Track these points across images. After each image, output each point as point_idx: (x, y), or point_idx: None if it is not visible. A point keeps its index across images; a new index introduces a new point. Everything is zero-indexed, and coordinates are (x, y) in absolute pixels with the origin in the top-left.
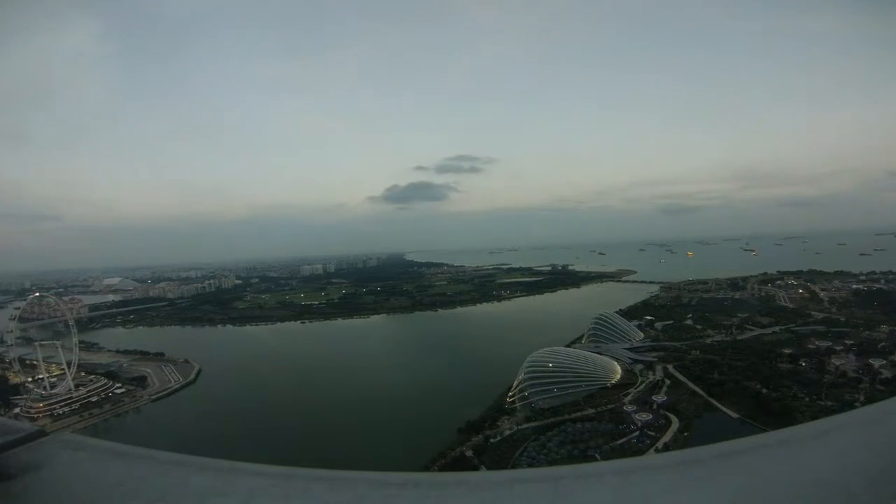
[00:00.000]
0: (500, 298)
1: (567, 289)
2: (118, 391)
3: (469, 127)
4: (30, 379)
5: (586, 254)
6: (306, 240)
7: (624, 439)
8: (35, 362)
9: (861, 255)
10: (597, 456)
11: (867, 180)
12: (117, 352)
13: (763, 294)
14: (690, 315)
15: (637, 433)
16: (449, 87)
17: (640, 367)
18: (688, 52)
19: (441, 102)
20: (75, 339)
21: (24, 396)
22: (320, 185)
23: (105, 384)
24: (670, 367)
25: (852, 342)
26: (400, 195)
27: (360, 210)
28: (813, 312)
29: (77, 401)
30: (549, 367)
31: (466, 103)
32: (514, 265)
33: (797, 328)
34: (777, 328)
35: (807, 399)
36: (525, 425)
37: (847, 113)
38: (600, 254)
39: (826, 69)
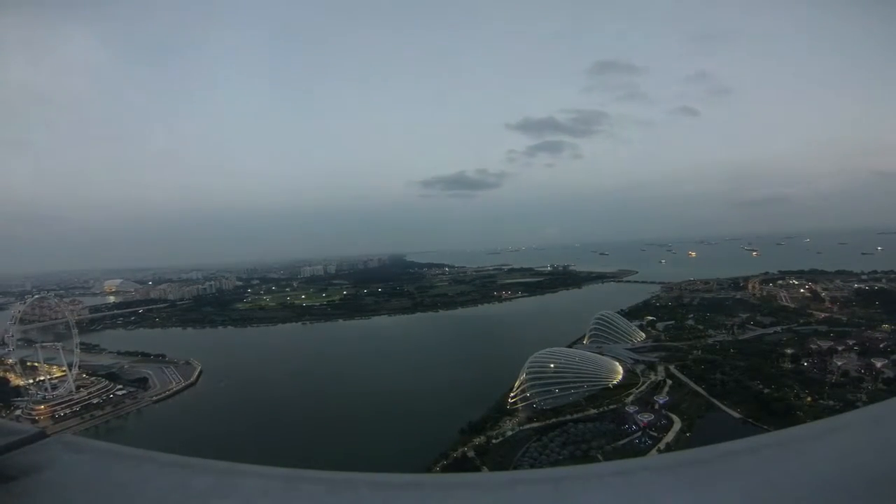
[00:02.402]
0: (501, 299)
1: (568, 289)
2: (119, 393)
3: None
4: (31, 381)
5: (587, 254)
6: (318, 239)
7: (626, 440)
8: (36, 364)
9: (863, 254)
10: (599, 457)
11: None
12: (118, 353)
13: (764, 294)
14: (692, 315)
15: (639, 434)
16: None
17: (641, 367)
18: (684, 52)
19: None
20: (76, 341)
21: (26, 398)
22: (322, 185)
23: (106, 386)
24: (672, 368)
25: (854, 342)
26: (397, 199)
27: (354, 211)
28: (815, 312)
29: (78, 402)
30: (550, 367)
31: (460, 110)
32: (515, 266)
33: (799, 328)
34: (779, 328)
35: (809, 399)
36: (527, 426)
37: (845, 113)
38: (602, 254)
39: (823, 69)
